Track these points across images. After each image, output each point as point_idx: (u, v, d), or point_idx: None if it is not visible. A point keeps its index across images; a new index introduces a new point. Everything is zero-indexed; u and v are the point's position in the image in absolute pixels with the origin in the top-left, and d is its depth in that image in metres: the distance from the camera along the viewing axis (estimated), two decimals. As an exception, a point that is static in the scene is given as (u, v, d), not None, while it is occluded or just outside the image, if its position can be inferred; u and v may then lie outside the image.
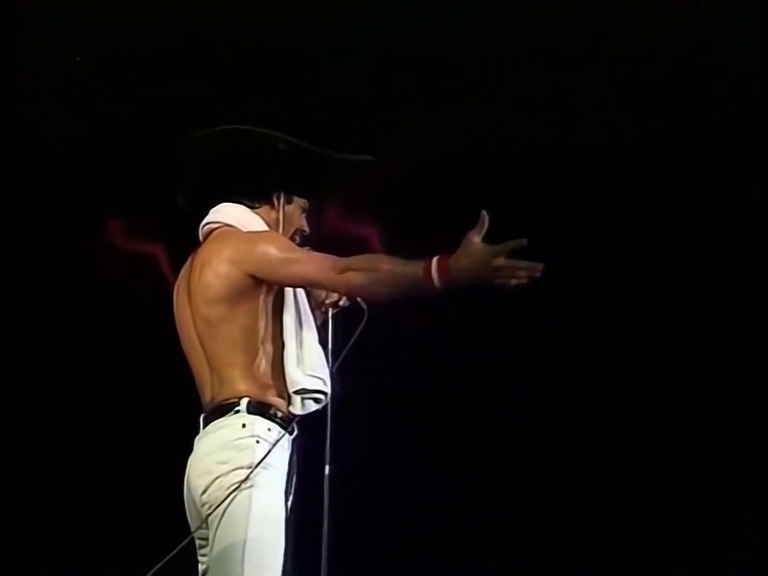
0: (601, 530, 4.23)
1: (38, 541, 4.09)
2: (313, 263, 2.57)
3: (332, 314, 2.78)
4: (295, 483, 2.65)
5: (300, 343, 2.64)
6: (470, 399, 4.29)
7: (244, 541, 2.43)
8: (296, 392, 2.60)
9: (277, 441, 2.55)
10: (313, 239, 2.87)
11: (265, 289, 2.63)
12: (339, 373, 2.67)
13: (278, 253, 2.58)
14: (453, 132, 4.14)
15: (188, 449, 2.63)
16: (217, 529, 2.48)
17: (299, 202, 2.84)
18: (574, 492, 4.28)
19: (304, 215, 2.86)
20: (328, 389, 2.65)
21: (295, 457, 2.66)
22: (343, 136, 3.30)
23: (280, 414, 2.60)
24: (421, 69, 4.09)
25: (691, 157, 4.21)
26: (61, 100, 4.09)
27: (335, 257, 2.57)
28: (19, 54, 3.92)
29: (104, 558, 4.10)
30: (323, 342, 2.72)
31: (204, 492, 2.53)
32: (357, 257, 2.56)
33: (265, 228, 2.74)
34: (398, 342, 4.14)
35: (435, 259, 2.43)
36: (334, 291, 2.69)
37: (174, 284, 2.83)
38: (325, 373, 2.65)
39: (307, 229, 2.85)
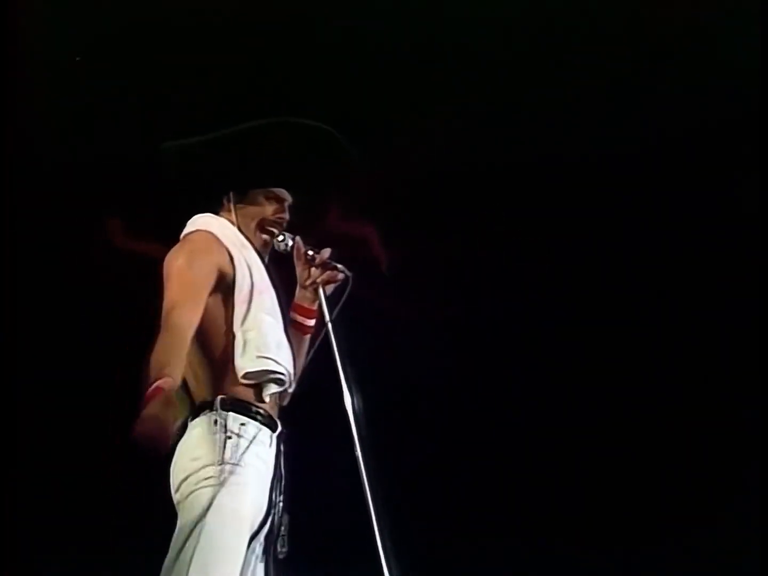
0: (601, 530, 4.23)
1: (38, 541, 4.09)
2: (166, 332, 2.49)
3: (324, 291, 2.78)
4: (286, 477, 2.65)
5: (248, 330, 2.63)
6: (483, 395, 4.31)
7: (198, 537, 2.43)
8: (244, 377, 2.60)
9: (254, 437, 2.56)
10: (313, 239, 2.85)
11: (212, 289, 2.63)
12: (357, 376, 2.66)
13: (168, 298, 2.56)
14: (453, 135, 4.15)
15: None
16: (178, 525, 2.49)
17: (261, 193, 2.80)
18: (575, 488, 4.28)
19: (279, 204, 2.82)
20: (283, 369, 2.66)
21: (282, 452, 2.66)
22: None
23: (255, 409, 2.61)
24: (421, 72, 4.08)
25: (691, 157, 4.22)
26: (61, 100, 4.08)
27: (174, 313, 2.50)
28: (19, 54, 3.92)
29: (104, 558, 4.10)
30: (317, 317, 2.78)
31: (177, 490, 2.56)
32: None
33: (228, 226, 2.74)
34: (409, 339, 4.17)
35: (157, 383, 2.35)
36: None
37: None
38: (279, 355, 2.66)
39: (283, 216, 2.81)
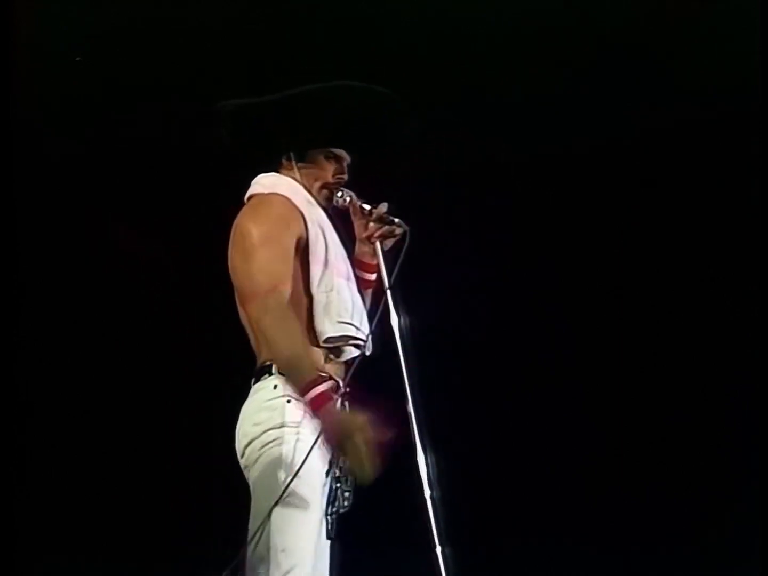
0: (601, 531, 4.23)
1: (38, 540, 4.09)
2: (252, 280, 2.54)
3: (381, 247, 2.75)
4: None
5: (327, 292, 2.63)
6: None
7: (273, 498, 2.44)
8: (325, 341, 2.61)
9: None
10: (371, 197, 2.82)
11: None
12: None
13: (261, 270, 2.56)
14: (454, 132, 4.15)
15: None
16: (251, 488, 2.52)
17: (320, 153, 2.79)
18: (569, 493, 4.27)
19: (339, 164, 2.81)
20: (362, 334, 2.66)
21: (347, 410, 2.63)
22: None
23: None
24: (423, 68, 4.08)
25: (691, 156, 4.23)
26: (62, 99, 4.09)
27: (274, 296, 2.52)
28: (19, 54, 3.91)
29: (104, 558, 4.10)
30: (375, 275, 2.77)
31: (242, 455, 2.58)
32: (286, 319, 2.51)
33: (295, 186, 2.73)
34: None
35: (317, 391, 2.45)
36: (243, 310, 2.62)
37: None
38: (358, 319, 2.67)
39: (343, 176, 2.81)
